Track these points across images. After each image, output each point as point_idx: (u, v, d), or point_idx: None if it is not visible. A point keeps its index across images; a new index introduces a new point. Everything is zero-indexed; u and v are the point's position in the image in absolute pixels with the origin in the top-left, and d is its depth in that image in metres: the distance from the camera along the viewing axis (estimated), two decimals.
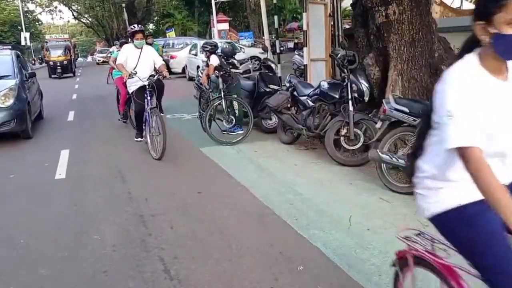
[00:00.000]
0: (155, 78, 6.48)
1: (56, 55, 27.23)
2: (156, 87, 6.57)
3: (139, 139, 6.84)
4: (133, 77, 6.31)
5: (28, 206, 4.68)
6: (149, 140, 6.48)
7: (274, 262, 3.18)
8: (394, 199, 4.31)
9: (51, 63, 27.34)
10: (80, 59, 71.15)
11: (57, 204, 4.69)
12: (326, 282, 2.92)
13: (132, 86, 6.60)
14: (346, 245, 3.39)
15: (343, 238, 3.52)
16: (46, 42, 33.41)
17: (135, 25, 6.93)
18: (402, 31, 5.56)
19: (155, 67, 6.71)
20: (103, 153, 6.90)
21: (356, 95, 5.62)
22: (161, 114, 6.71)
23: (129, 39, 6.75)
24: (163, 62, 6.92)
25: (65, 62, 27.15)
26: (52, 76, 26.27)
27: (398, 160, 4.27)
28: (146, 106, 6.38)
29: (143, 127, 6.67)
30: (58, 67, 26.70)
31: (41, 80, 13.29)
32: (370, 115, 5.56)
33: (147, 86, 6.35)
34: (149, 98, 6.38)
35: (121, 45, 11.08)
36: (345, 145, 5.54)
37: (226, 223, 3.92)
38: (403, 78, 5.57)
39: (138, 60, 6.51)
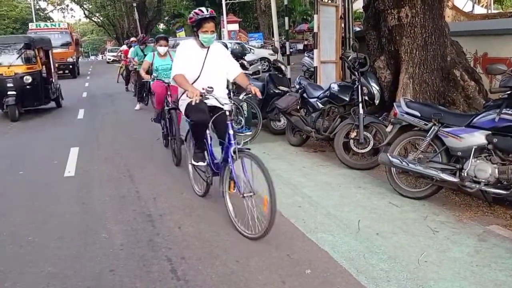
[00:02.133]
0: (243, 97, 4.42)
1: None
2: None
3: (200, 163, 4.34)
4: (206, 97, 3.81)
5: (36, 203, 4.69)
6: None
7: (281, 265, 3.16)
8: (404, 204, 4.27)
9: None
10: (91, 57, 71.71)
11: (65, 201, 4.70)
12: (334, 286, 2.89)
13: (193, 112, 4.09)
14: (354, 249, 3.36)
15: (351, 242, 3.49)
16: (31, 34, 19.24)
17: (203, 9, 4.05)
18: (414, 34, 5.51)
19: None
20: (112, 151, 6.92)
21: (366, 98, 5.57)
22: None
23: (195, 33, 4.09)
24: (242, 70, 4.48)
25: (63, 66, 21.75)
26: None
27: (408, 165, 4.23)
28: (229, 148, 3.74)
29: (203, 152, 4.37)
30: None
31: None
32: (380, 118, 5.51)
33: (227, 113, 3.81)
34: (230, 132, 3.75)
35: (127, 44, 11.16)
36: (355, 148, 5.50)
37: (234, 224, 3.89)
38: (415, 82, 5.52)
39: (202, 67, 4.13)
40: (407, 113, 4.41)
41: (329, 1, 9.02)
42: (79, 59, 36.91)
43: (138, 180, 5.32)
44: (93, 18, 52.51)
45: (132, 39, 16.61)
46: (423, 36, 5.52)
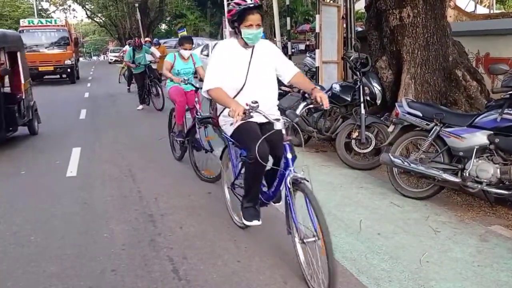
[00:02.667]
0: (302, 109, 3.15)
1: (40, 58, 18.37)
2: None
3: (255, 222, 3.43)
4: (251, 116, 2.93)
5: (38, 203, 4.70)
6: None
7: (283, 265, 3.16)
8: (405, 204, 4.27)
9: (32, 70, 15.38)
10: (94, 58, 71.77)
11: (67, 201, 4.71)
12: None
13: (248, 141, 3.18)
14: (356, 250, 3.36)
15: (353, 242, 3.49)
16: (22, 32, 18.05)
17: None
18: (416, 34, 5.51)
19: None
20: (114, 151, 6.93)
21: (368, 98, 5.58)
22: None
23: (235, 30, 3.23)
24: (298, 69, 3.51)
25: (59, 69, 19.24)
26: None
27: (410, 165, 4.23)
28: (285, 177, 2.98)
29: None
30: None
31: None
32: (382, 118, 5.51)
33: (283, 131, 2.98)
34: (288, 156, 2.97)
35: (129, 44, 11.26)
36: (356, 149, 5.50)
37: (235, 224, 3.90)
38: (416, 82, 5.52)
39: (247, 74, 3.25)
40: (409, 113, 4.41)
41: (331, 1, 9.03)
42: (81, 60, 35.32)
43: (140, 180, 5.33)
44: (95, 19, 52.54)
45: (147, 39, 16.75)
46: (425, 36, 5.51)
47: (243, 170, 3.51)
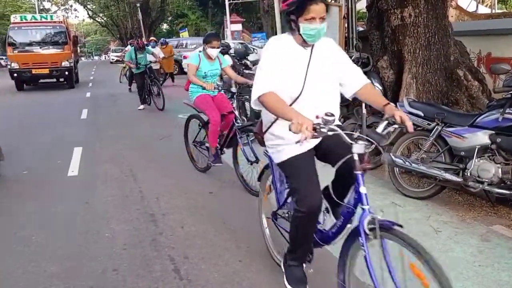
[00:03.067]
0: (382, 130, 2.40)
1: (34, 59, 16.50)
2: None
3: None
4: (323, 132, 2.16)
5: (40, 203, 4.71)
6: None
7: None
8: (406, 203, 4.26)
9: (25, 73, 16.64)
10: (95, 57, 71.84)
11: (68, 201, 4.72)
12: (336, 286, 2.88)
13: (302, 185, 2.53)
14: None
15: None
16: (13, 29, 17.29)
17: None
18: (417, 34, 5.50)
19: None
20: (115, 151, 6.93)
21: None
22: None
23: (291, 24, 2.48)
24: (368, 80, 2.80)
25: (56, 72, 16.85)
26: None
27: (411, 164, 4.22)
28: (362, 218, 2.17)
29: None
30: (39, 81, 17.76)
31: None
32: (383, 118, 5.50)
33: (356, 157, 2.30)
34: (362, 190, 2.22)
35: (131, 44, 11.26)
36: None
37: (237, 224, 3.90)
38: (418, 82, 5.51)
39: (305, 78, 2.50)
40: (410, 113, 4.40)
41: (332, 1, 9.01)
42: (82, 60, 35.04)
43: (141, 180, 5.34)
44: (96, 19, 52.63)
45: (152, 38, 16.82)
46: (426, 36, 5.50)
47: (289, 199, 2.82)
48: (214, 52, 5.20)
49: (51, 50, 17.16)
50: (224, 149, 5.21)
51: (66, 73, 17.13)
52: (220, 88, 5.19)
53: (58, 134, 8.57)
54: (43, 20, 18.65)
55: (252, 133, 4.31)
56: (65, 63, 17.09)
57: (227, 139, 5.07)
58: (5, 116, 10.94)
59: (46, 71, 16.85)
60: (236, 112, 4.95)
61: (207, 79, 5.23)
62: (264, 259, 3.24)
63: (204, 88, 5.03)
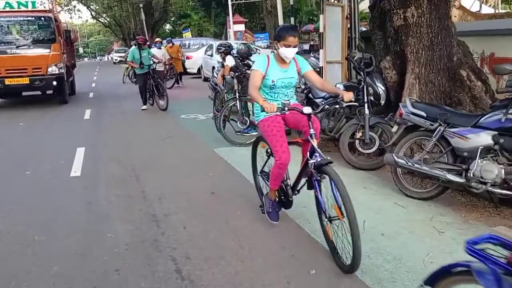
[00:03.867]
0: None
1: (8, 65, 11.66)
2: None
3: None
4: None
5: (43, 203, 4.73)
6: None
7: (286, 265, 3.16)
8: (409, 204, 4.25)
9: None
10: (98, 58, 72.06)
11: (71, 201, 4.73)
12: (338, 287, 2.89)
13: None
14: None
15: None
16: None
17: None
18: (420, 34, 5.49)
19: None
20: (118, 151, 6.94)
21: (372, 98, 5.56)
22: None
23: None
24: None
25: (39, 82, 11.87)
26: None
27: (414, 165, 4.21)
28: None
29: None
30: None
31: None
32: (386, 118, 5.50)
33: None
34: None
35: (135, 45, 11.21)
36: (360, 149, 5.49)
37: (239, 224, 3.90)
38: (421, 82, 5.49)
39: None
40: (413, 114, 4.39)
41: (335, 1, 9.00)
42: (85, 61, 32.76)
43: (144, 180, 5.34)
44: (100, 19, 52.71)
45: (158, 39, 16.84)
46: (429, 36, 5.49)
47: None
48: (289, 52, 3.53)
49: (33, 51, 12.11)
50: (295, 192, 3.72)
51: (54, 83, 12.09)
52: (287, 108, 3.32)
53: (61, 135, 8.59)
54: (22, 8, 12.93)
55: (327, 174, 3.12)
56: (52, 69, 12.04)
57: (300, 177, 3.61)
58: None
59: (25, 80, 11.75)
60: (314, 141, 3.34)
61: (276, 92, 3.67)
62: (267, 260, 3.24)
63: (263, 110, 3.44)
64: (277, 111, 3.34)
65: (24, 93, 13.03)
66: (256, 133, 7.09)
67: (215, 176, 5.39)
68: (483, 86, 5.61)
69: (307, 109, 3.35)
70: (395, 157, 4.37)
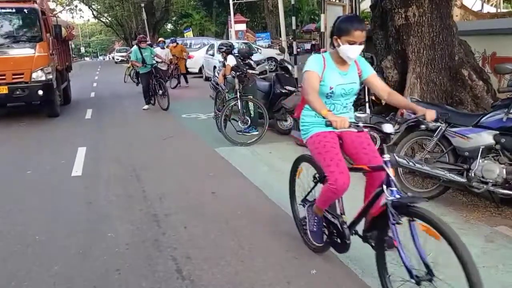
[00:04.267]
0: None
1: None
2: None
3: None
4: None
5: (43, 202, 4.73)
6: None
7: (286, 265, 3.15)
8: None
9: None
10: (100, 57, 72.18)
11: (72, 201, 4.73)
12: (339, 287, 2.88)
13: None
14: (360, 250, 3.34)
15: (357, 243, 3.46)
16: None
17: None
18: (422, 33, 5.48)
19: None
20: (119, 151, 6.94)
21: (373, 97, 5.55)
22: None
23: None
24: None
25: (20, 91, 9.55)
26: None
27: (415, 165, 4.20)
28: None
29: None
30: None
31: None
32: (387, 118, 5.48)
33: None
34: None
35: (136, 45, 11.21)
36: None
37: (239, 224, 3.90)
38: (422, 81, 5.48)
39: None
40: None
41: (336, 1, 9.00)
42: (86, 60, 31.86)
43: (144, 180, 5.34)
44: (101, 19, 52.79)
45: (160, 39, 16.83)
46: (431, 35, 5.48)
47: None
48: (354, 51, 2.75)
49: (13, 53, 9.70)
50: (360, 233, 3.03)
51: (40, 92, 9.65)
52: (361, 124, 2.66)
53: (62, 134, 8.60)
54: None
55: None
56: (38, 75, 9.67)
57: (363, 214, 2.95)
58: None
59: (3, 90, 9.45)
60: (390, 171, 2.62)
61: (332, 103, 2.91)
62: (267, 260, 3.23)
63: (330, 124, 2.52)
64: (349, 127, 2.53)
65: (9, 104, 10.52)
66: (257, 132, 7.09)
67: (216, 176, 5.39)
68: (484, 85, 5.60)
69: (389, 128, 2.56)
70: (396, 157, 4.34)
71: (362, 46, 2.77)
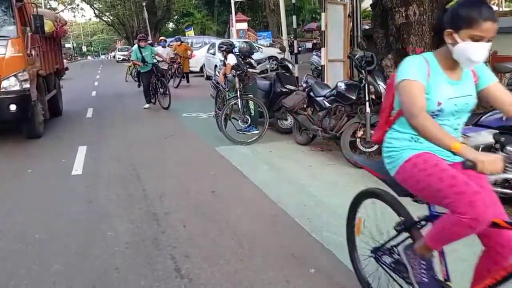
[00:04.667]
0: None
1: None
2: None
3: None
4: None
5: (44, 201, 4.73)
6: None
7: (285, 264, 3.15)
8: (410, 204, 4.22)
9: None
10: (102, 56, 72.26)
11: (72, 200, 4.74)
12: (338, 286, 2.88)
13: None
14: (359, 249, 3.34)
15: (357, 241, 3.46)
16: None
17: None
18: (422, 32, 5.48)
19: None
20: (119, 150, 6.95)
21: (373, 96, 5.54)
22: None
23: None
24: None
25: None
26: None
27: None
28: None
29: None
30: None
31: None
32: None
33: None
34: None
35: (139, 41, 11.21)
36: (361, 147, 5.48)
37: (239, 223, 3.90)
38: None
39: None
40: None
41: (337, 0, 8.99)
42: (88, 59, 31.27)
43: (145, 179, 5.34)
44: (103, 18, 52.87)
45: (162, 38, 16.84)
46: (431, 34, 5.47)
47: None
48: (481, 52, 1.92)
49: None
50: None
51: (12, 107, 7.10)
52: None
53: (63, 133, 8.60)
54: None
55: None
56: (9, 83, 7.10)
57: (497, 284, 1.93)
58: None
59: None
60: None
61: (439, 122, 2.02)
62: (266, 259, 3.23)
63: (472, 166, 1.71)
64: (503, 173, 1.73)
65: None
66: (257, 131, 7.08)
67: (216, 175, 5.39)
68: None
69: None
70: None
71: (490, 44, 1.93)
